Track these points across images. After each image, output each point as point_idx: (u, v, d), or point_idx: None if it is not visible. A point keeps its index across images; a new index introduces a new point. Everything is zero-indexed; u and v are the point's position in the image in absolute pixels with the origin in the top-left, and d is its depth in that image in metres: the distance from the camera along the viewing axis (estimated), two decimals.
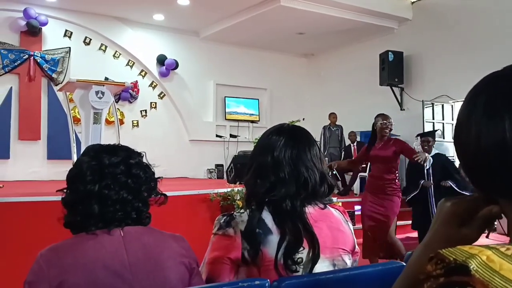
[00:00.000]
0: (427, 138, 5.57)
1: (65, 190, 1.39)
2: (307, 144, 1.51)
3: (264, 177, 1.45)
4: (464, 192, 5.04)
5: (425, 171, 5.45)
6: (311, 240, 1.40)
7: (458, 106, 8.22)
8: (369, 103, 9.33)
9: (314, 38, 10.01)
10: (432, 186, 5.38)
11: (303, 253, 1.38)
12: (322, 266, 1.41)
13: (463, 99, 0.73)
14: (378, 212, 4.57)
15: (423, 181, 5.42)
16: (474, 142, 0.67)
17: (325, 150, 8.81)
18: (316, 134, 8.94)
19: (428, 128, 8.27)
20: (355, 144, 8.72)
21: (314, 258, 1.39)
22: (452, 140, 0.75)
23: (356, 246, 1.55)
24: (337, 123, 9.08)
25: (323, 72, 11.23)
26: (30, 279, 1.25)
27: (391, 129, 4.77)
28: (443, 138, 8.56)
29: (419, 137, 5.95)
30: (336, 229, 1.49)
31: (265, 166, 1.46)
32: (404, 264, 1.44)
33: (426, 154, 4.83)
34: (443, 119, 8.61)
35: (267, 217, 1.41)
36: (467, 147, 0.69)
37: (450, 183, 5.28)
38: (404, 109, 9.21)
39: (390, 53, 8.80)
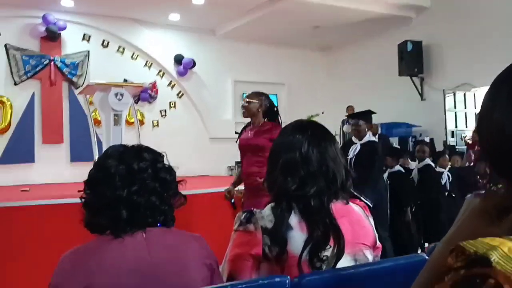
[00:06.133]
0: (357, 121, 4.53)
1: (87, 192, 1.38)
2: (331, 140, 1.52)
3: (293, 173, 1.44)
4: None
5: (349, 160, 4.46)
6: (337, 237, 1.39)
7: (480, 93, 8.06)
8: (388, 95, 9.24)
9: (330, 31, 9.92)
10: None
11: (328, 251, 1.38)
12: (343, 261, 1.40)
13: (486, 86, 0.72)
14: None
15: None
16: (498, 129, 0.67)
17: None
18: (336, 128, 8.88)
19: (450, 118, 8.16)
20: (376, 136, 8.62)
21: (338, 254, 1.39)
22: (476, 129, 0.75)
23: (378, 241, 1.54)
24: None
25: (341, 65, 11.15)
26: (56, 282, 1.26)
27: (245, 108, 3.69)
28: (466, 127, 8.42)
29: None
30: (357, 224, 1.48)
31: (293, 163, 1.45)
32: (427, 257, 1.42)
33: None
34: (465, 108, 8.46)
35: (289, 213, 1.41)
36: (491, 135, 0.69)
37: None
38: (424, 99, 9.08)
39: (408, 43, 8.68)
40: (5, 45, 8.25)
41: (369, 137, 4.52)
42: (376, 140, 4.97)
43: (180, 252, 1.36)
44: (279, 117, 3.75)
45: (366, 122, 4.52)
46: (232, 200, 3.86)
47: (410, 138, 8.54)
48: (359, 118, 4.52)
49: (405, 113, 8.98)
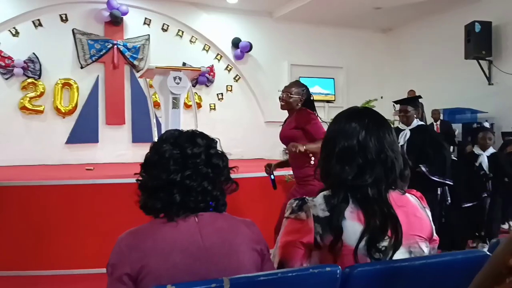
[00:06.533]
0: (405, 107, 4.38)
1: (143, 174, 1.43)
2: (388, 127, 1.48)
3: (351, 161, 1.41)
4: (434, 178, 4.10)
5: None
6: (395, 227, 1.36)
7: None
8: (453, 78, 8.82)
9: (392, 12, 9.57)
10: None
11: (386, 241, 1.35)
12: (397, 253, 1.36)
13: None
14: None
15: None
16: None
17: None
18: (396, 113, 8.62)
19: None
20: (438, 122, 8.30)
21: (395, 245, 1.35)
22: None
23: (434, 234, 1.48)
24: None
25: (403, 47, 10.74)
26: (113, 262, 1.32)
27: (285, 101, 3.57)
28: None
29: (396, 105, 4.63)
30: (413, 215, 1.43)
31: (351, 151, 1.42)
32: (488, 253, 1.35)
33: (301, 147, 3.29)
34: None
35: (346, 204, 1.39)
36: None
37: (423, 168, 4.10)
38: (492, 84, 8.58)
39: (476, 23, 8.20)
40: (73, 30, 8.64)
41: (417, 122, 4.42)
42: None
43: (230, 237, 1.38)
44: (315, 110, 3.61)
45: (414, 108, 4.42)
46: (272, 177, 3.70)
47: (475, 125, 8.13)
48: (408, 104, 4.42)
49: (470, 98, 8.54)
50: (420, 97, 4.62)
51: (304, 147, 3.28)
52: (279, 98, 3.61)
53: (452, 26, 8.95)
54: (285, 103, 3.57)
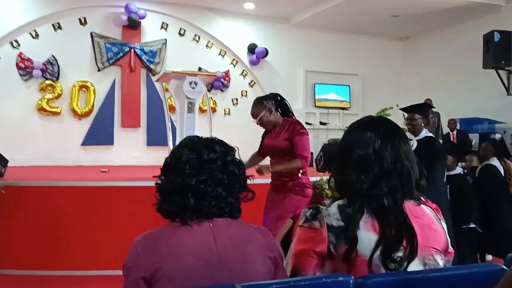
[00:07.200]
0: (412, 114, 4.02)
1: (161, 177, 1.46)
2: (403, 137, 1.47)
3: (366, 170, 1.40)
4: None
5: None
6: (410, 237, 1.34)
7: None
8: (470, 88, 8.72)
9: (410, 20, 9.52)
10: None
11: (401, 251, 1.33)
12: (412, 265, 1.35)
13: None
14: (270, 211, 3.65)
15: None
16: None
17: None
18: None
19: None
20: (454, 132, 8.21)
21: (410, 255, 1.34)
22: None
23: (450, 246, 1.46)
24: (433, 109, 8.61)
25: (420, 56, 10.66)
26: (129, 264, 1.34)
27: (264, 122, 3.65)
28: None
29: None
30: (428, 227, 1.41)
31: (367, 159, 1.41)
32: (505, 268, 1.33)
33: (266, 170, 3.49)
34: None
35: (361, 214, 1.38)
36: None
37: None
38: (511, 94, 8.46)
39: (496, 33, 8.10)
40: (91, 33, 8.76)
41: (425, 132, 4.08)
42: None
43: (244, 243, 1.38)
44: (290, 108, 3.68)
45: (423, 117, 4.04)
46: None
47: (493, 135, 8.01)
48: (415, 112, 4.03)
49: (488, 108, 8.43)
50: (429, 106, 4.26)
51: (270, 169, 3.41)
52: (258, 124, 3.68)
53: (470, 36, 8.87)
54: (263, 125, 3.66)
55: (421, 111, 4.10)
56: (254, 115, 3.63)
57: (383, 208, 1.36)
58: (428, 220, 1.43)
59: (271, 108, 3.58)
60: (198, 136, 1.50)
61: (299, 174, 3.52)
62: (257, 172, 3.42)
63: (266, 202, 3.65)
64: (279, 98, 3.68)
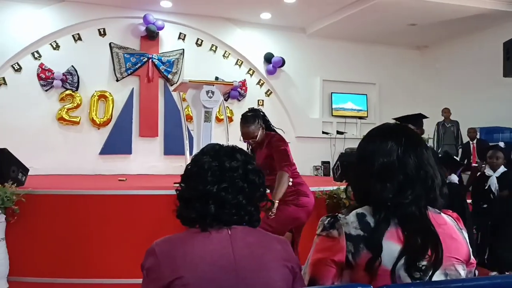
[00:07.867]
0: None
1: (182, 184, 1.47)
2: (423, 144, 1.45)
3: (391, 179, 1.38)
4: None
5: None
6: (435, 245, 1.32)
7: None
8: (490, 97, 8.59)
9: (427, 29, 9.44)
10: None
11: (425, 260, 1.31)
12: (433, 276, 1.32)
13: None
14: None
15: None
16: None
17: (439, 147, 8.29)
18: (430, 131, 8.45)
19: None
20: (474, 141, 8.08)
21: (435, 264, 1.31)
22: None
23: (472, 257, 1.42)
24: (452, 118, 8.49)
25: (438, 65, 10.56)
26: (148, 266, 1.35)
27: (256, 141, 3.65)
28: None
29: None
30: (449, 237, 1.38)
31: (391, 167, 1.39)
32: None
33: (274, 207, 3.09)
34: None
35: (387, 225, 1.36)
36: None
37: None
38: None
39: None
40: (110, 44, 8.90)
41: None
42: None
43: (262, 252, 1.38)
44: (270, 124, 3.73)
45: (417, 127, 3.99)
46: None
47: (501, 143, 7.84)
48: (408, 122, 3.93)
49: (509, 117, 8.28)
50: (424, 116, 4.22)
51: (276, 202, 3.09)
52: (248, 143, 3.64)
53: (489, 44, 8.76)
54: (259, 142, 3.62)
55: (415, 122, 4.08)
56: (251, 134, 3.58)
57: (408, 216, 1.34)
58: (450, 230, 1.40)
59: (263, 125, 3.61)
60: (219, 144, 1.51)
61: (290, 182, 3.43)
62: (266, 214, 3.11)
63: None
64: (261, 112, 3.72)
